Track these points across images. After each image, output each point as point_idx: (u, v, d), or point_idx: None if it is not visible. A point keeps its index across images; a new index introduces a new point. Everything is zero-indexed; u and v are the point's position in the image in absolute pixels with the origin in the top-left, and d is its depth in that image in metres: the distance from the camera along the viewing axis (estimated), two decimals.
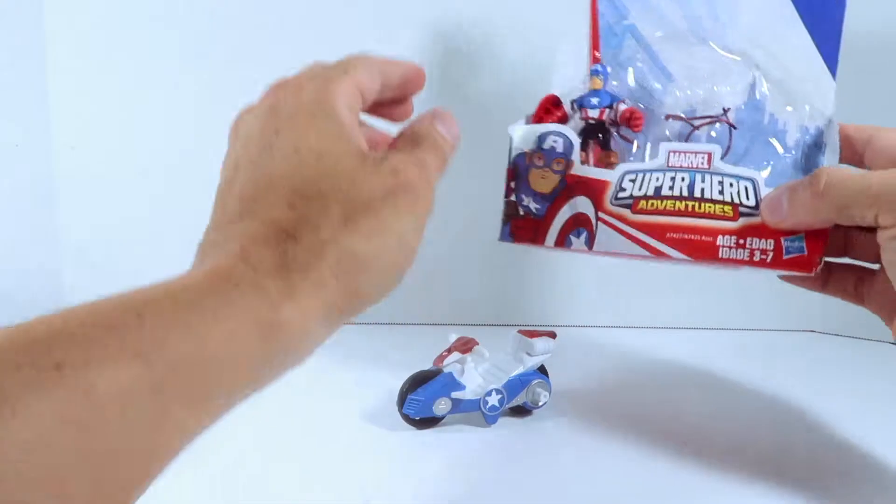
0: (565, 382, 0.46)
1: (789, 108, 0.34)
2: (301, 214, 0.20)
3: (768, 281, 0.71)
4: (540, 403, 0.41)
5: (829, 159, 0.32)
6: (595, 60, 0.37)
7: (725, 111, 0.34)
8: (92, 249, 0.69)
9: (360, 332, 0.66)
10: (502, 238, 0.37)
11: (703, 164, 0.33)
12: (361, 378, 0.48)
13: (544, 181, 0.36)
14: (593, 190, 0.35)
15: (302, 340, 0.20)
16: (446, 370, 0.39)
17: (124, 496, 0.16)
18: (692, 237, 0.32)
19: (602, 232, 0.34)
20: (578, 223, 0.35)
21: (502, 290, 0.72)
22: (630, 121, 0.35)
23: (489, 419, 0.39)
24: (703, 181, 0.33)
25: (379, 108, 0.27)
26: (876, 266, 0.34)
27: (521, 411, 0.41)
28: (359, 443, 0.37)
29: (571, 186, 0.35)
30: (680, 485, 0.32)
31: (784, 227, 0.30)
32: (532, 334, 0.41)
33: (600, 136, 0.36)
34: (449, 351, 0.40)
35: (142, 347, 0.16)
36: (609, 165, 0.35)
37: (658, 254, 0.33)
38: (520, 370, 0.40)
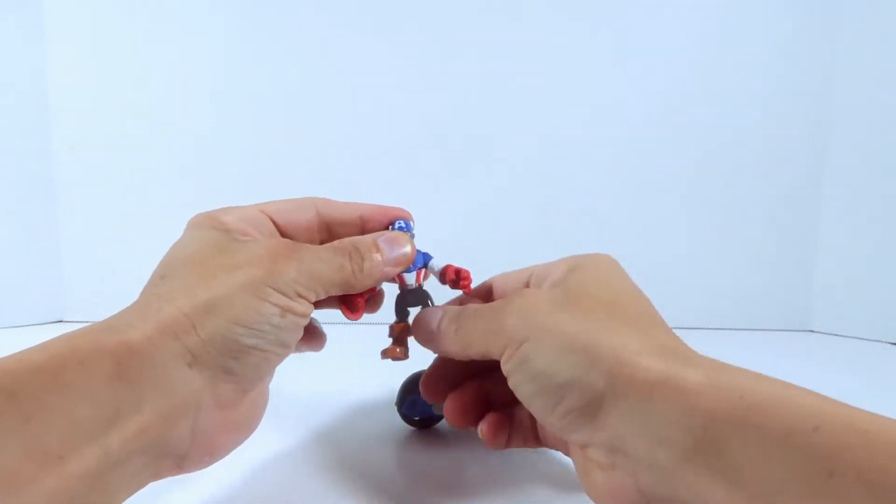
0: None
1: None
2: (166, 279, 0.24)
3: (768, 281, 0.71)
4: None
5: None
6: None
7: None
8: (92, 249, 0.69)
9: (360, 333, 0.67)
10: None
11: None
12: (361, 378, 0.48)
13: None
14: None
15: (160, 364, 0.22)
16: None
17: None
18: None
19: None
20: None
21: None
22: (458, 281, 0.30)
23: None
24: None
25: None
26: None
27: None
28: (359, 443, 0.37)
29: None
30: None
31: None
32: None
33: (430, 303, 0.31)
34: None
35: None
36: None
37: None
38: None
